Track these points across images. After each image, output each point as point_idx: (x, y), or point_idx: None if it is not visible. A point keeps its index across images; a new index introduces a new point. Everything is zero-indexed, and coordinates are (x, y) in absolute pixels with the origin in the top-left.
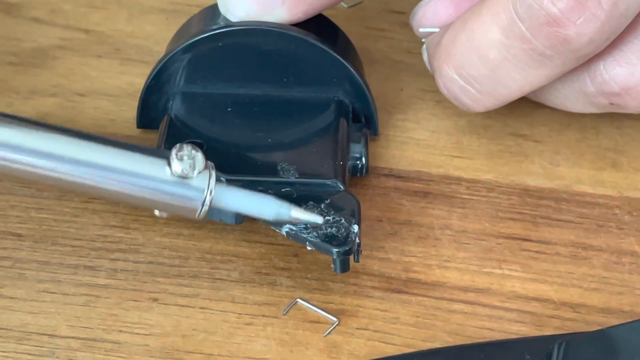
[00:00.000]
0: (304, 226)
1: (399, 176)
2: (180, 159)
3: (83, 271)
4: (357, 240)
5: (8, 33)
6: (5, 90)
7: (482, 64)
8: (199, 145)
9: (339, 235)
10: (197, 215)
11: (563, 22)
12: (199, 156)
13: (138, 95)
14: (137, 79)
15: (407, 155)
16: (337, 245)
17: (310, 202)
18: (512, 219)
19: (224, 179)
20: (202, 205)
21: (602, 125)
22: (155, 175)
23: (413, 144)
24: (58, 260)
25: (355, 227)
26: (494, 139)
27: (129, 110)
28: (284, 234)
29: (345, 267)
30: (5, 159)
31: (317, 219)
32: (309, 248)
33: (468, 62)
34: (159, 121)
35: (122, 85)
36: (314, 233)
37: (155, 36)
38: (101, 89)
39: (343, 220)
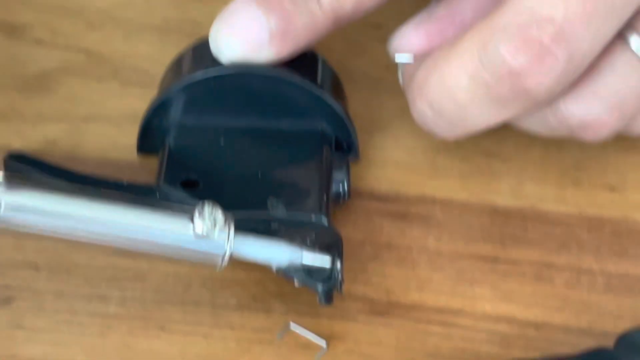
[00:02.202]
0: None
1: (380, 198)
2: (203, 219)
3: (96, 300)
4: (340, 277)
5: (12, 56)
6: (14, 117)
7: (451, 103)
8: (196, 182)
9: (324, 273)
10: (217, 269)
11: (523, 74)
12: (219, 215)
13: (138, 119)
14: (137, 102)
15: (386, 177)
16: (322, 282)
17: (298, 238)
18: (483, 240)
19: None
20: (223, 259)
21: (564, 142)
22: (179, 233)
23: (392, 164)
24: (73, 290)
25: (339, 264)
26: (465, 157)
27: (130, 135)
28: (274, 271)
29: (329, 299)
30: (33, 223)
31: (325, 263)
32: (296, 285)
33: (439, 100)
34: (158, 147)
35: (122, 109)
36: (302, 271)
37: (151, 57)
38: (103, 114)
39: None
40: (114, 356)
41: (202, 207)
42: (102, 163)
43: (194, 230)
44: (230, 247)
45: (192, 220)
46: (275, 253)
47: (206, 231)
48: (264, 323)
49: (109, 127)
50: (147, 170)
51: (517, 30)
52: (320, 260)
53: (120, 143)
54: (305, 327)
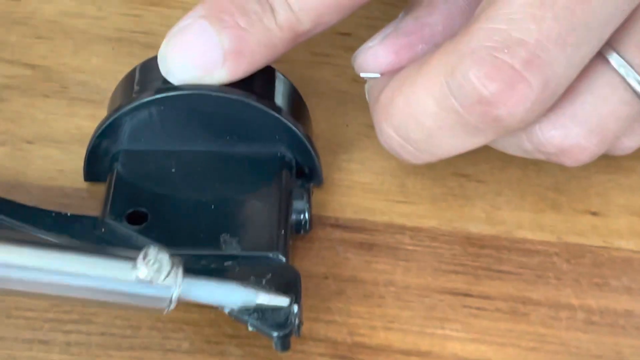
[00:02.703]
0: (245, 307)
1: (344, 226)
2: (147, 264)
3: (37, 346)
4: (297, 321)
5: None
6: None
7: (418, 129)
8: (144, 215)
9: (279, 317)
10: (164, 313)
11: (494, 103)
12: (165, 258)
13: (86, 141)
14: (85, 121)
15: (352, 202)
16: (276, 328)
17: (252, 278)
18: (455, 272)
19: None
20: (170, 303)
21: (543, 161)
22: (122, 280)
23: (358, 188)
24: (13, 335)
25: (295, 308)
26: (437, 179)
27: (77, 159)
28: (226, 313)
29: (285, 346)
30: None
31: (283, 302)
32: (250, 329)
33: (405, 126)
34: (106, 174)
35: (70, 130)
36: (255, 314)
37: (102, 70)
38: (49, 135)
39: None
40: None
41: (147, 251)
42: (48, 190)
43: (137, 276)
44: (177, 291)
45: (135, 265)
46: (227, 295)
47: (150, 277)
48: None
49: (55, 150)
50: (96, 199)
51: (487, 55)
52: (276, 300)
53: (67, 168)
54: None
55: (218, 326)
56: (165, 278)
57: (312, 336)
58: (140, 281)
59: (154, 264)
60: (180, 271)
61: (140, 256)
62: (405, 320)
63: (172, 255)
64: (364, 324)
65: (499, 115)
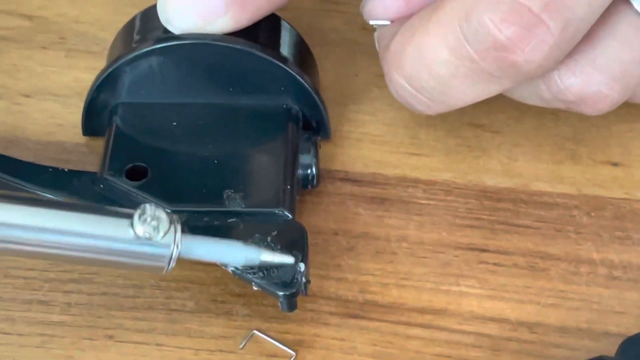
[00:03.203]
0: (248, 265)
1: (354, 180)
2: (144, 222)
3: (37, 307)
4: (304, 280)
5: None
6: None
7: (431, 78)
8: (144, 170)
9: (285, 276)
10: (164, 272)
11: (510, 48)
12: (163, 216)
13: (85, 94)
14: (84, 74)
15: (362, 155)
16: (283, 288)
17: (257, 235)
18: (470, 226)
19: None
20: (169, 262)
21: (561, 111)
22: (118, 237)
23: (368, 140)
24: (11, 296)
25: (302, 266)
26: (451, 130)
27: (77, 113)
28: (230, 272)
29: (292, 306)
30: None
31: (288, 260)
32: (255, 288)
33: (417, 75)
34: (106, 128)
35: (69, 83)
36: (260, 273)
37: (101, 20)
38: (47, 88)
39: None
40: None
41: (144, 209)
42: (46, 145)
43: (134, 233)
44: (176, 249)
45: (132, 223)
46: (229, 253)
47: (148, 234)
48: (225, 330)
49: (53, 104)
50: (96, 154)
51: None
52: (281, 258)
53: (66, 122)
54: (271, 334)
55: (224, 285)
56: (163, 236)
57: (322, 294)
58: (137, 239)
59: (151, 221)
60: (179, 228)
61: (137, 213)
62: (418, 277)
63: (170, 213)
64: (376, 282)
65: (515, 61)
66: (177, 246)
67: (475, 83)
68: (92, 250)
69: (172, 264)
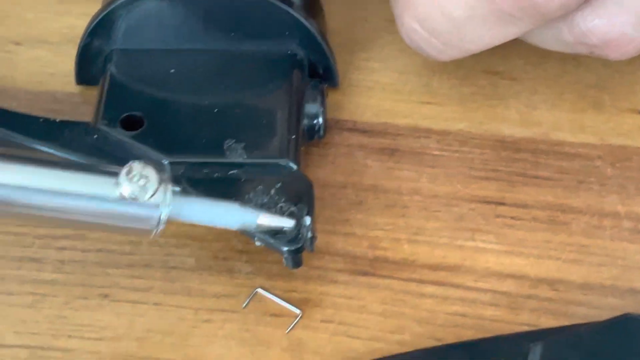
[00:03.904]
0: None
1: (363, 130)
2: (130, 181)
3: (28, 264)
4: (310, 235)
5: None
6: None
7: (445, 21)
8: (140, 119)
9: (290, 231)
10: (152, 236)
11: None
12: (152, 175)
13: (78, 42)
14: (78, 20)
15: (372, 104)
16: (287, 243)
17: (260, 187)
18: (486, 178)
19: (178, 189)
20: (157, 224)
21: (582, 56)
22: (102, 196)
23: (378, 89)
24: (1, 253)
25: (308, 220)
26: (466, 78)
27: (69, 61)
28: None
29: (297, 263)
30: None
31: (288, 223)
32: (257, 244)
33: (431, 17)
34: (100, 77)
35: (61, 30)
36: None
37: None
38: (39, 35)
39: (294, 211)
40: (48, 331)
41: (131, 166)
42: (37, 95)
43: (120, 193)
44: (166, 211)
45: (117, 183)
46: (224, 216)
47: (135, 194)
48: (226, 288)
49: (45, 52)
50: (90, 105)
51: None
52: (281, 222)
53: (58, 71)
54: (276, 293)
55: (226, 241)
56: (151, 196)
57: (329, 250)
58: (123, 199)
59: (139, 179)
60: (169, 188)
61: (124, 171)
62: (432, 232)
63: (161, 171)
64: (387, 237)
65: (535, 0)
66: (166, 208)
67: (492, 25)
68: (74, 211)
69: (161, 226)
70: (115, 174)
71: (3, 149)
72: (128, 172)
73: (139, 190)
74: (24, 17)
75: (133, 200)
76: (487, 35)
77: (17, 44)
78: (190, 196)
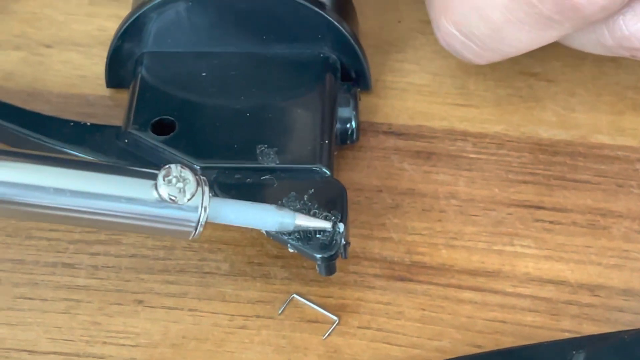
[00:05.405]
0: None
1: (399, 133)
2: (169, 183)
3: (61, 270)
4: (343, 242)
5: None
6: None
7: (483, 24)
8: (171, 124)
9: (323, 238)
10: (191, 238)
11: None
12: (190, 177)
13: (109, 43)
14: (108, 22)
15: (407, 107)
16: (320, 250)
17: (293, 193)
18: (524, 182)
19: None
20: (197, 227)
21: (621, 57)
22: (140, 199)
23: (413, 91)
24: (34, 258)
25: (341, 227)
26: (502, 80)
27: (101, 63)
28: (264, 232)
29: (330, 270)
30: None
31: (325, 226)
32: (290, 251)
33: (468, 20)
34: (131, 80)
35: (92, 32)
36: (296, 234)
37: None
38: (70, 38)
39: (328, 217)
40: (82, 337)
41: (169, 169)
42: (68, 98)
43: (158, 195)
44: (204, 214)
45: (155, 186)
46: (261, 218)
47: (173, 197)
48: (262, 294)
49: (76, 54)
50: (121, 108)
51: None
52: (318, 223)
53: (89, 74)
54: (312, 299)
55: (261, 246)
56: (190, 198)
57: (365, 256)
58: (161, 201)
59: (177, 182)
60: (207, 191)
61: (161, 174)
62: (469, 237)
63: (198, 174)
64: (424, 242)
65: (577, 2)
66: (205, 210)
67: (531, 29)
68: (112, 213)
69: (200, 229)
70: (151, 176)
71: (43, 153)
72: (166, 175)
73: (178, 193)
74: (55, 19)
75: (172, 202)
76: (526, 39)
77: (48, 46)
78: (227, 199)
